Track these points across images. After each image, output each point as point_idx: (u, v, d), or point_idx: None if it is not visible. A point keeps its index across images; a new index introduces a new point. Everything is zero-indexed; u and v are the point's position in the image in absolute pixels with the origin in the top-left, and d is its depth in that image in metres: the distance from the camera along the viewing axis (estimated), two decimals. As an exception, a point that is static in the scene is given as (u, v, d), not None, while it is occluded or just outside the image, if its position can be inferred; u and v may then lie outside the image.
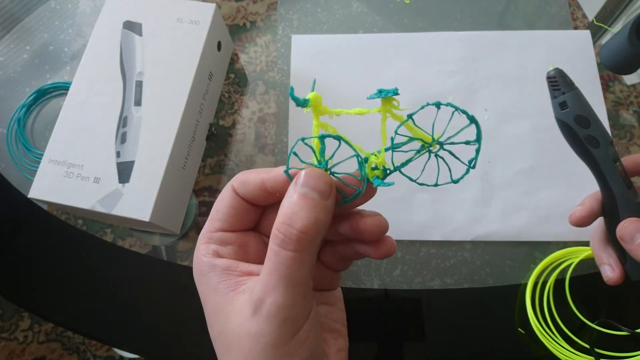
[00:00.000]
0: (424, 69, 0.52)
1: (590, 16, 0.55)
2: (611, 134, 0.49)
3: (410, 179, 0.23)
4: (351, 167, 0.23)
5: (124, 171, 0.42)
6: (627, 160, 0.36)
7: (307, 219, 0.20)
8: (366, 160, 0.22)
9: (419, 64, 0.53)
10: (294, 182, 0.22)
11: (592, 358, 0.39)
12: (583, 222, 0.38)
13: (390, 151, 0.22)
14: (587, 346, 0.40)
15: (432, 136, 0.22)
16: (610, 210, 0.36)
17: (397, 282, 0.45)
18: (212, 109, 0.52)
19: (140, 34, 0.47)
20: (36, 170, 0.43)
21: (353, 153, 0.22)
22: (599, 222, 0.39)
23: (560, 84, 0.35)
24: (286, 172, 0.22)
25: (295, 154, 0.22)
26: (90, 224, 0.49)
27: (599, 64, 0.51)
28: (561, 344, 0.40)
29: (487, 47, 0.53)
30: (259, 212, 0.26)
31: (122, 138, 0.43)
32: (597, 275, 0.39)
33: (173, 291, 0.46)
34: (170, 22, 0.48)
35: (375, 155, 0.22)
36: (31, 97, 0.53)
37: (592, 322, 0.41)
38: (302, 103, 0.21)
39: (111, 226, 0.49)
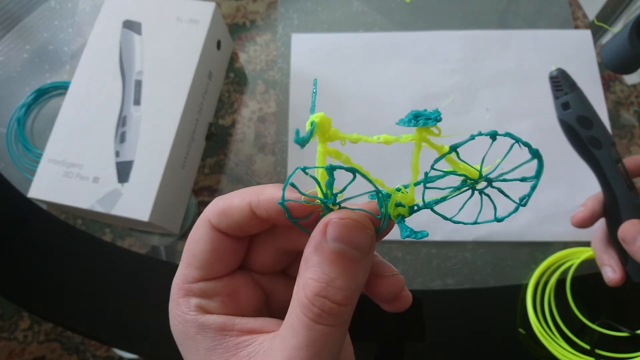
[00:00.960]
0: (425, 68, 0.52)
1: (591, 16, 0.55)
2: (612, 133, 0.49)
3: (445, 218, 0.19)
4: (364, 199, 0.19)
5: (123, 171, 0.42)
6: (629, 162, 0.36)
7: (348, 288, 0.16)
8: (389, 196, 0.18)
9: (419, 63, 0.53)
10: (321, 232, 0.17)
11: (593, 359, 0.39)
12: (585, 223, 0.38)
13: (420, 186, 0.18)
14: (588, 347, 0.40)
15: (480, 171, 0.18)
16: (612, 211, 0.36)
17: (397, 283, 0.45)
18: (211, 109, 0.52)
19: (139, 33, 0.47)
20: (36, 170, 0.42)
21: (369, 185, 0.18)
22: (601, 223, 0.39)
23: (562, 84, 0.35)
24: (281, 203, 0.18)
25: (293, 185, 0.17)
26: (90, 223, 0.49)
27: (599, 64, 0.51)
28: (561, 344, 0.40)
29: (488, 46, 0.53)
30: (245, 244, 0.21)
31: (121, 137, 0.43)
32: (598, 276, 0.39)
33: (172, 291, 0.46)
34: (170, 21, 0.47)
35: (401, 192, 0.18)
36: (31, 97, 0.53)
37: (593, 323, 0.41)
38: (306, 139, 0.16)
39: (110, 226, 0.49)
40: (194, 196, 0.49)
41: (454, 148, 0.17)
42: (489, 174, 0.18)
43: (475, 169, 0.17)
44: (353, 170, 0.17)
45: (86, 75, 0.46)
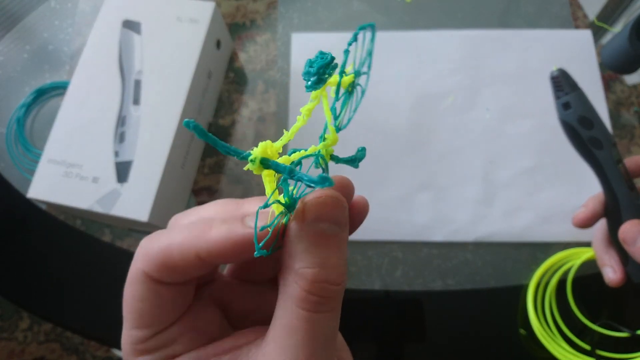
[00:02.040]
0: (425, 68, 0.52)
1: (591, 16, 0.55)
2: (612, 134, 0.48)
3: (338, 129, 0.18)
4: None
5: (123, 171, 0.42)
6: (630, 162, 0.36)
7: (341, 264, 0.16)
8: (319, 153, 0.17)
9: (420, 62, 0.52)
10: (298, 219, 0.16)
11: (593, 359, 0.39)
12: (586, 223, 0.38)
13: (334, 124, 0.18)
14: (588, 348, 0.40)
15: (355, 72, 0.18)
16: (613, 212, 0.36)
17: (398, 283, 0.45)
18: (211, 108, 0.52)
19: (139, 33, 0.47)
20: (35, 170, 0.42)
21: (305, 159, 0.17)
22: (602, 223, 0.39)
23: (563, 84, 0.35)
24: (265, 253, 0.16)
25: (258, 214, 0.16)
26: (89, 224, 0.49)
27: (600, 64, 0.51)
28: (562, 345, 0.40)
29: (489, 46, 0.53)
30: (192, 288, 0.19)
31: (120, 137, 0.43)
32: (599, 276, 0.39)
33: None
34: (170, 20, 0.47)
35: (325, 139, 0.18)
36: (31, 97, 0.53)
37: (594, 324, 0.40)
38: (245, 158, 0.15)
39: (110, 226, 0.49)
40: (194, 196, 0.49)
41: (357, 74, 0.17)
42: (357, 71, 0.18)
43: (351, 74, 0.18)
44: (294, 165, 0.16)
45: (85, 75, 0.46)
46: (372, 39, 0.17)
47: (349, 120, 0.18)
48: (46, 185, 0.42)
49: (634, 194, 0.35)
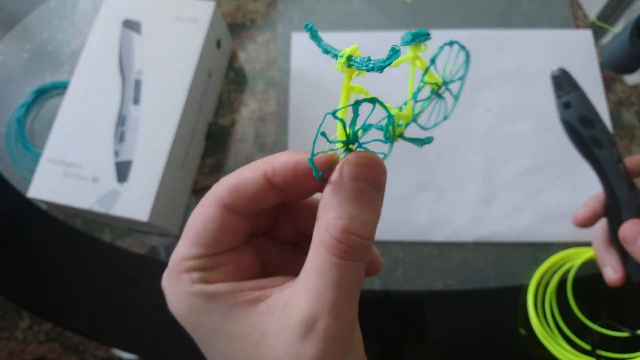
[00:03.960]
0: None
1: (592, 16, 0.55)
2: (612, 134, 0.48)
3: (422, 127, 0.20)
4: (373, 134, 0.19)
5: (122, 170, 0.42)
6: (630, 162, 0.36)
7: (371, 222, 0.17)
8: (393, 118, 0.19)
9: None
10: (339, 173, 0.17)
11: (593, 359, 0.39)
12: (586, 223, 0.38)
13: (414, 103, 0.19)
14: (589, 347, 0.40)
15: (444, 79, 0.20)
16: (613, 211, 0.36)
17: (399, 283, 0.45)
18: (211, 108, 0.52)
19: (139, 33, 0.47)
20: (35, 170, 0.42)
21: (373, 117, 0.18)
22: (602, 223, 0.39)
23: (564, 84, 0.35)
24: (310, 161, 0.17)
25: (324, 134, 0.17)
26: (89, 223, 0.49)
27: (600, 64, 0.51)
28: (562, 345, 0.40)
29: (489, 46, 0.53)
30: (251, 224, 0.20)
31: (120, 137, 0.43)
32: (599, 276, 0.39)
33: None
34: (170, 20, 0.47)
35: (402, 110, 0.19)
36: (31, 97, 0.53)
37: (594, 323, 0.40)
38: (333, 55, 0.17)
39: (110, 226, 0.49)
40: (194, 196, 0.49)
41: (432, 60, 0.19)
42: (445, 80, 0.20)
43: (439, 77, 0.20)
44: (374, 101, 0.18)
45: (86, 74, 0.46)
46: (467, 61, 0.20)
47: (435, 125, 0.20)
48: (46, 185, 0.42)
49: (634, 194, 0.35)
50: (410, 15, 0.55)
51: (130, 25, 0.47)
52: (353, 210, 0.17)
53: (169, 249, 0.48)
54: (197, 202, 0.49)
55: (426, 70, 0.19)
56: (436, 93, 0.20)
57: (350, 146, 0.18)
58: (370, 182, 0.17)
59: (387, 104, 0.18)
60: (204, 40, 0.46)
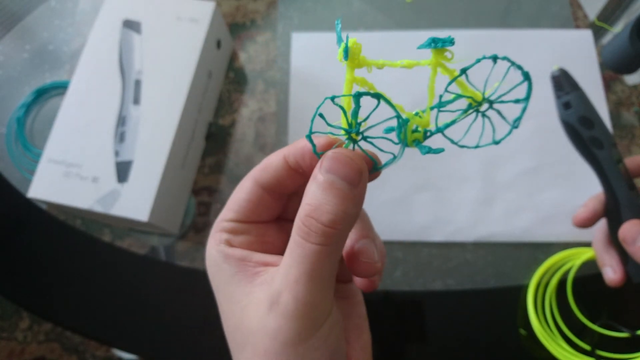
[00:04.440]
0: (426, 68, 0.52)
1: (592, 16, 0.55)
2: (613, 134, 0.48)
3: (452, 142, 0.20)
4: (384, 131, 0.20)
5: (123, 170, 0.42)
6: (630, 162, 0.36)
7: (334, 212, 0.18)
8: (407, 122, 0.19)
9: (419, 63, 0.52)
10: (319, 165, 0.19)
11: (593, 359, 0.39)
12: (586, 223, 0.38)
13: (434, 111, 0.19)
14: (589, 348, 0.40)
15: (483, 94, 0.19)
16: (613, 211, 0.36)
17: (398, 284, 0.45)
18: (211, 108, 0.52)
19: (139, 33, 0.47)
20: (35, 170, 0.42)
21: (388, 114, 0.19)
22: (602, 223, 0.39)
23: (564, 84, 0.35)
24: (308, 137, 0.19)
25: (321, 115, 0.18)
26: (89, 223, 0.49)
27: (600, 64, 0.51)
28: (562, 345, 0.40)
29: (489, 45, 0.53)
30: (280, 205, 0.24)
31: (120, 137, 0.43)
32: (599, 276, 0.39)
33: (172, 291, 0.46)
34: (170, 20, 0.47)
35: (419, 116, 0.19)
36: (31, 97, 0.53)
37: (594, 324, 0.40)
38: (344, 58, 0.18)
39: (110, 226, 0.49)
40: (194, 196, 0.49)
41: (464, 71, 0.18)
42: (490, 96, 0.19)
43: (480, 92, 0.19)
44: (378, 96, 0.18)
45: (86, 74, 0.46)
46: (529, 83, 0.19)
47: (476, 146, 0.19)
48: (46, 185, 0.42)
49: (634, 194, 0.35)
50: (410, 16, 0.55)
51: (131, 25, 0.47)
52: (320, 199, 0.18)
53: (169, 249, 0.48)
54: (197, 202, 0.49)
55: (452, 80, 0.18)
56: (475, 109, 0.19)
57: (353, 136, 0.19)
58: (342, 176, 0.19)
59: (398, 105, 0.18)
60: (204, 40, 0.46)
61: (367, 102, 0.18)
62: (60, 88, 0.54)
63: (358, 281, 0.25)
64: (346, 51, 0.18)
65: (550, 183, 0.47)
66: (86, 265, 0.48)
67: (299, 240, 0.19)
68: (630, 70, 0.50)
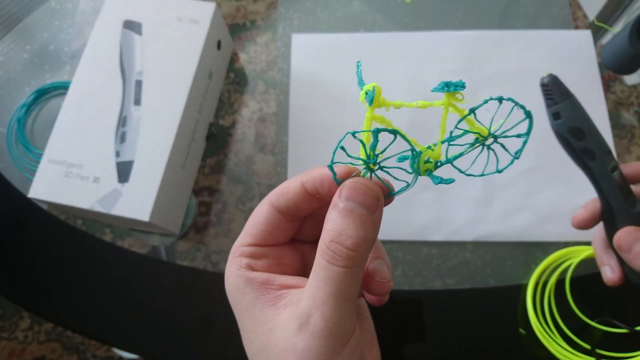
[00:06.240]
0: (425, 68, 0.52)
1: (591, 16, 0.55)
2: (612, 134, 0.49)
3: (460, 171, 0.22)
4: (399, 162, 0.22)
5: (123, 171, 0.42)
6: (629, 168, 0.36)
7: (356, 237, 0.20)
8: (420, 153, 0.21)
9: (420, 63, 0.53)
10: (338, 193, 0.21)
11: (593, 359, 0.39)
12: (585, 225, 0.38)
13: (444, 145, 0.21)
14: (588, 347, 0.40)
15: (489, 130, 0.21)
16: (609, 218, 0.36)
17: (398, 283, 0.45)
18: (211, 109, 0.52)
19: (140, 33, 0.47)
20: (36, 170, 0.42)
21: (403, 147, 0.21)
22: (602, 223, 0.39)
23: (553, 92, 0.33)
24: (330, 166, 0.21)
25: (342, 148, 0.20)
26: (90, 223, 0.49)
27: (599, 64, 0.51)
28: (561, 344, 0.40)
29: (488, 46, 0.53)
30: (295, 227, 0.25)
31: (121, 137, 0.43)
32: (598, 275, 0.39)
33: (172, 291, 0.46)
34: (170, 21, 0.47)
35: (431, 149, 0.21)
36: (31, 97, 0.53)
37: (593, 321, 0.41)
38: (370, 102, 0.20)
39: (110, 226, 0.49)
40: (194, 196, 0.49)
41: (472, 110, 0.21)
42: (496, 131, 0.22)
43: (486, 128, 0.21)
44: (395, 132, 0.20)
45: (86, 75, 0.46)
46: (530, 121, 0.22)
47: (481, 174, 0.22)
48: (47, 185, 0.42)
49: (629, 202, 0.34)
50: (410, 16, 0.56)
51: (131, 26, 0.48)
52: (342, 225, 0.20)
53: (170, 249, 0.48)
54: (197, 202, 0.49)
55: (462, 118, 0.21)
56: (482, 143, 0.21)
57: (371, 166, 0.21)
58: (360, 203, 0.20)
59: (412, 139, 0.21)
60: (205, 41, 0.47)
61: (383, 135, 0.20)
62: (60, 88, 0.54)
63: (369, 297, 0.26)
64: (371, 97, 0.20)
65: (549, 183, 0.47)
66: (87, 265, 0.48)
67: (324, 264, 0.20)
68: (630, 70, 0.50)
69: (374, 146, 0.20)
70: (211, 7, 0.48)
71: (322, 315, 0.19)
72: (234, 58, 0.55)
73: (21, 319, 1.08)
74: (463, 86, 0.20)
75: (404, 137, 0.20)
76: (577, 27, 0.54)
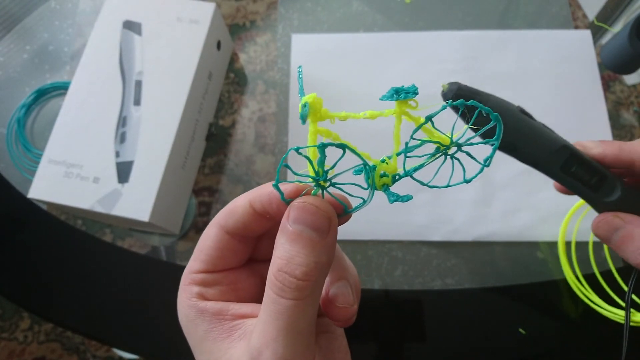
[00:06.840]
0: (425, 69, 0.52)
1: (591, 16, 0.55)
2: (612, 134, 0.49)
3: (422, 183, 0.20)
4: (354, 176, 0.20)
5: (123, 171, 0.42)
6: (602, 148, 0.30)
7: (306, 264, 0.18)
8: (374, 168, 0.19)
9: (419, 63, 0.53)
10: (286, 215, 0.19)
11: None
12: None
13: (401, 156, 0.19)
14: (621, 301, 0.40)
15: (451, 138, 0.19)
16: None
17: (398, 283, 0.45)
18: (211, 109, 0.52)
19: (139, 34, 0.47)
20: (36, 170, 0.43)
21: (356, 160, 0.19)
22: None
23: (462, 110, 0.24)
24: (275, 185, 0.19)
25: (287, 166, 0.19)
26: (90, 224, 0.49)
27: (599, 64, 0.51)
28: (593, 298, 0.41)
29: (488, 46, 0.53)
30: (249, 248, 0.23)
31: (121, 138, 0.43)
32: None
33: (172, 291, 0.46)
34: (170, 21, 0.47)
35: (386, 162, 0.19)
36: (31, 97, 0.53)
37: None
38: (303, 117, 0.18)
39: (110, 226, 0.49)
40: (194, 196, 0.49)
41: (429, 118, 0.18)
42: (459, 139, 0.19)
43: (447, 136, 0.19)
44: (343, 146, 0.18)
45: (86, 75, 0.46)
46: (499, 127, 0.19)
47: (447, 185, 0.20)
48: (47, 186, 0.42)
49: (599, 193, 0.30)
50: (410, 16, 0.56)
51: (131, 26, 0.48)
52: (290, 252, 0.18)
53: (170, 249, 0.48)
54: (197, 202, 0.49)
55: (417, 128, 0.18)
56: (444, 152, 0.19)
57: (322, 183, 0.19)
58: (310, 225, 0.18)
59: (364, 153, 0.19)
60: (205, 41, 0.47)
61: (333, 149, 0.18)
62: (60, 89, 0.54)
63: (337, 322, 0.23)
64: (304, 112, 0.18)
65: (547, 183, 0.47)
66: (87, 265, 0.48)
67: (273, 297, 0.18)
68: (630, 70, 0.50)
69: (321, 162, 0.18)
70: (211, 7, 0.48)
71: (273, 352, 0.18)
72: (233, 58, 0.55)
73: (21, 319, 1.08)
74: (415, 92, 0.18)
75: (353, 150, 0.18)
76: (577, 27, 0.54)
